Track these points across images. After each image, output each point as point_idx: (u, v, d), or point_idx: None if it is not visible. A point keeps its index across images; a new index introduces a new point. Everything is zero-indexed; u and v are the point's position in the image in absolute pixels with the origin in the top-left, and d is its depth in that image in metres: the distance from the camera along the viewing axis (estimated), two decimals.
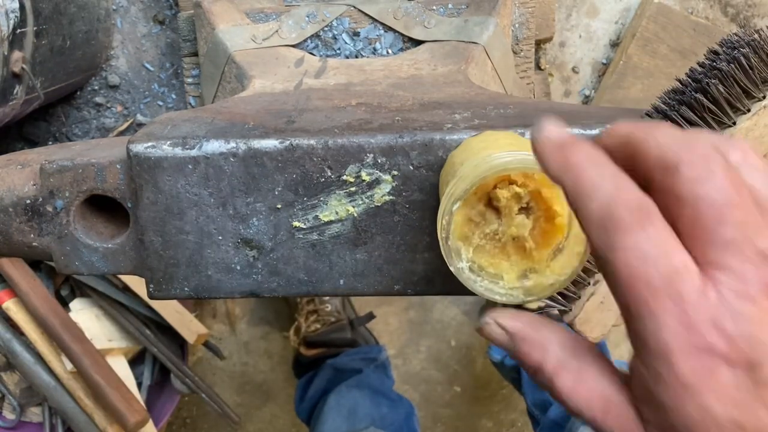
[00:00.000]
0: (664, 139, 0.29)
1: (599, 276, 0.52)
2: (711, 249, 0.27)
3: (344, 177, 0.53)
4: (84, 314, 1.14)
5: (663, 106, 0.51)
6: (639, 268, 0.27)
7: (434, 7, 0.82)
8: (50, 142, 1.16)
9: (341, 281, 0.56)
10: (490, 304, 0.41)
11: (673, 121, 0.49)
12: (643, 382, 0.28)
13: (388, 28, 0.81)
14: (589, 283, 0.52)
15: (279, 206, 0.53)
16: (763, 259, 0.27)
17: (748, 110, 0.48)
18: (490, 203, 0.45)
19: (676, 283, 0.27)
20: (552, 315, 0.55)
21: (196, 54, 0.90)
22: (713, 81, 0.47)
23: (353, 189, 0.53)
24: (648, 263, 0.27)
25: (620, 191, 0.28)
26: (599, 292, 0.52)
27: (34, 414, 1.16)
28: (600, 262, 0.29)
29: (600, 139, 0.32)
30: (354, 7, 0.82)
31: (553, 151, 0.32)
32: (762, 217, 0.28)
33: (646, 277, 0.27)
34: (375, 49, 0.82)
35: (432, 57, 0.76)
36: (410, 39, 0.81)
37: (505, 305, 0.37)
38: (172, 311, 1.20)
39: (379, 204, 0.53)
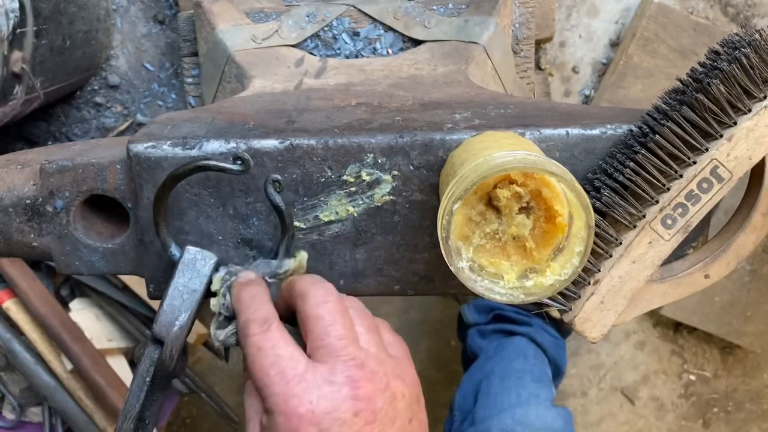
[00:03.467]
0: (306, 281, 0.48)
1: (599, 276, 0.52)
2: (317, 351, 0.44)
3: (344, 177, 0.52)
4: (84, 314, 1.14)
5: (663, 106, 0.51)
6: (257, 356, 0.44)
7: (434, 7, 0.82)
8: (50, 142, 1.16)
9: (341, 281, 0.56)
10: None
11: (673, 121, 0.49)
12: (267, 429, 0.44)
13: (388, 28, 0.81)
14: (589, 283, 0.52)
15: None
16: (349, 359, 0.44)
17: (749, 110, 0.48)
18: (491, 203, 0.45)
19: (281, 366, 0.43)
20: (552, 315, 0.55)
21: (196, 54, 0.90)
22: (714, 81, 0.47)
23: (353, 189, 0.53)
24: (262, 352, 0.44)
25: (257, 311, 0.46)
26: (599, 292, 0.52)
27: (34, 414, 1.16)
28: (244, 353, 0.46)
29: (284, 282, 0.51)
30: (354, 7, 0.82)
31: (236, 287, 0.49)
32: (355, 335, 0.45)
33: (261, 360, 0.44)
34: (375, 49, 0.82)
35: (432, 57, 0.76)
36: (410, 39, 0.81)
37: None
38: None
39: (379, 204, 0.53)
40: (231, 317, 0.49)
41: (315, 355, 0.44)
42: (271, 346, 0.44)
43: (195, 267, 0.50)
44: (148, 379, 0.49)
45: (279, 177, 0.50)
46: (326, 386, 0.43)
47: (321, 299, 0.46)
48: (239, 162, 0.48)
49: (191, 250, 0.50)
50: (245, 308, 0.47)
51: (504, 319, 1.21)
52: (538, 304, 0.51)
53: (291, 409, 0.42)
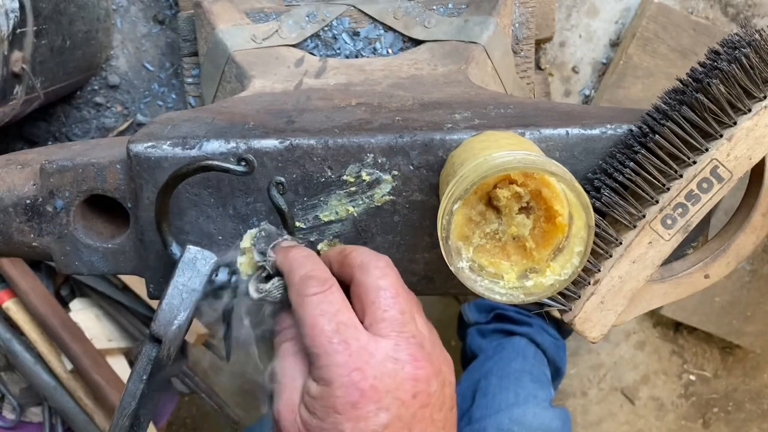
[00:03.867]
0: (364, 252, 0.46)
1: (599, 276, 0.52)
2: (379, 324, 0.42)
3: (344, 177, 0.52)
4: (84, 314, 1.14)
5: (663, 106, 0.51)
6: (318, 319, 0.42)
7: (434, 7, 0.82)
8: (50, 142, 1.16)
9: None
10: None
11: (673, 121, 0.49)
12: (318, 399, 0.41)
13: (388, 28, 0.81)
14: (589, 283, 0.52)
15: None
16: (410, 337, 0.42)
17: (749, 110, 0.48)
18: (491, 203, 0.44)
19: (345, 335, 0.41)
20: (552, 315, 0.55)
21: (196, 54, 0.90)
22: (714, 81, 0.47)
23: (353, 189, 0.53)
24: (324, 317, 0.42)
25: (315, 269, 0.44)
26: (599, 292, 0.52)
27: (34, 414, 1.16)
28: (295, 314, 0.44)
29: (326, 252, 0.49)
30: (354, 6, 0.82)
31: (280, 251, 0.48)
32: (413, 312, 0.44)
33: (323, 325, 0.41)
34: (375, 49, 0.82)
35: (432, 57, 0.76)
36: (410, 39, 0.81)
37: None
38: None
39: (379, 204, 0.53)
40: (273, 275, 0.48)
41: (376, 328, 0.42)
42: (335, 310, 0.42)
43: (195, 266, 0.50)
44: (144, 377, 0.49)
45: (283, 179, 0.50)
46: (390, 363, 0.41)
47: (383, 271, 0.44)
48: (243, 163, 0.48)
49: (192, 249, 0.50)
50: (300, 265, 0.45)
51: (504, 318, 1.21)
52: (538, 304, 0.51)
53: (353, 383, 0.40)
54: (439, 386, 0.43)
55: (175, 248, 0.52)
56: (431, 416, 0.42)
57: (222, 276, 0.50)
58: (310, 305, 0.42)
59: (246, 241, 0.50)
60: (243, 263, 0.50)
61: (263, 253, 0.49)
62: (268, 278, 0.48)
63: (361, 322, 0.43)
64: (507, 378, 1.05)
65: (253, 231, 0.51)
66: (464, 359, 1.26)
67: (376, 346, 0.41)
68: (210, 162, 0.48)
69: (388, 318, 0.42)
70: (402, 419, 0.41)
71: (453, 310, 1.42)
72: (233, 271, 0.51)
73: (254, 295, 0.48)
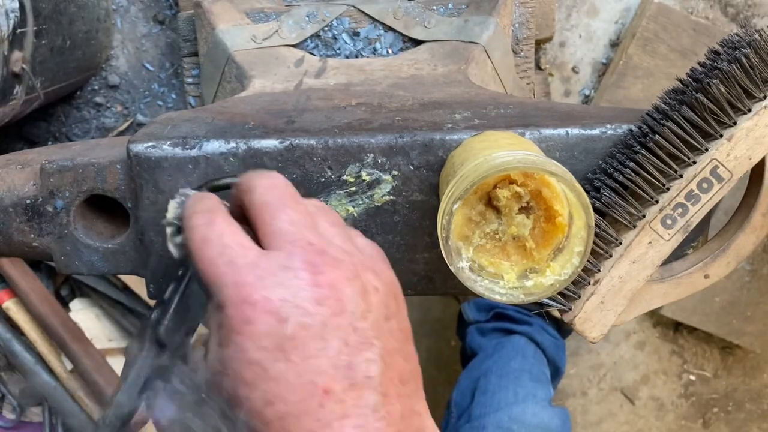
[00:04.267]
0: (250, 176, 0.42)
1: (599, 276, 0.52)
2: (270, 237, 0.39)
3: (344, 177, 0.52)
4: (84, 314, 1.14)
5: (663, 106, 0.51)
6: (203, 249, 0.39)
7: (434, 7, 0.82)
8: (50, 142, 1.16)
9: None
10: None
11: (673, 121, 0.49)
12: (219, 329, 0.38)
13: (388, 28, 0.81)
14: (589, 283, 0.52)
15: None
16: (306, 245, 0.38)
17: (749, 110, 0.48)
18: (491, 203, 0.45)
19: (230, 255, 0.38)
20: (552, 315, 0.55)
21: (196, 54, 0.90)
22: (714, 81, 0.47)
23: (353, 189, 0.53)
24: (207, 244, 0.39)
25: (200, 203, 0.42)
26: (599, 292, 0.52)
27: (34, 414, 1.16)
28: (187, 246, 0.41)
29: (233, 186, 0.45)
30: (354, 7, 0.82)
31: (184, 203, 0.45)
32: (313, 222, 0.40)
33: (207, 252, 0.38)
34: (375, 49, 0.82)
35: (432, 57, 0.76)
36: (410, 39, 0.81)
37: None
38: None
39: (379, 204, 0.53)
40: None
41: (266, 243, 0.39)
42: (217, 235, 0.39)
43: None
44: (142, 382, 0.48)
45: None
46: (281, 272, 0.37)
47: (268, 186, 0.41)
48: None
49: None
50: (191, 206, 0.42)
51: (504, 317, 1.21)
52: (539, 304, 0.51)
53: (243, 298, 0.36)
54: (358, 293, 0.38)
55: None
56: (352, 325, 0.37)
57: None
58: (196, 236, 0.39)
59: (171, 212, 0.47)
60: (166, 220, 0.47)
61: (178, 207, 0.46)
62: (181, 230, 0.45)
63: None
64: (506, 377, 1.05)
65: (173, 201, 0.47)
66: (464, 358, 1.26)
67: (268, 258, 0.38)
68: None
69: (276, 231, 0.39)
70: (308, 328, 0.36)
71: (453, 310, 1.42)
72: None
73: (174, 252, 0.45)
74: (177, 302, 0.46)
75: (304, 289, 0.37)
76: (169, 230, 0.46)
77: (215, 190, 0.47)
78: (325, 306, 0.37)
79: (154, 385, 0.48)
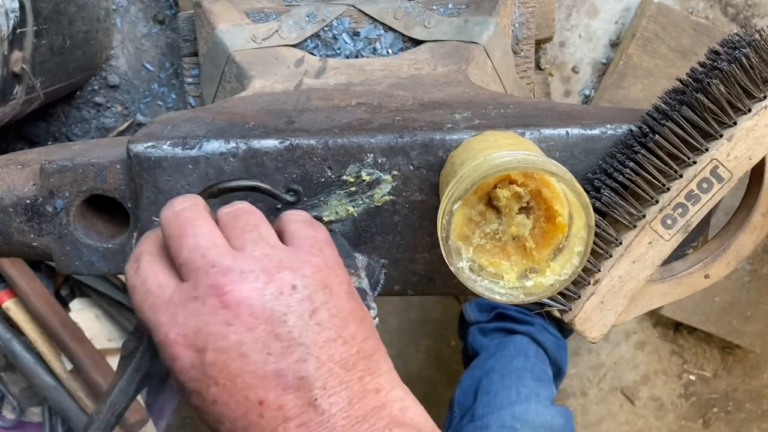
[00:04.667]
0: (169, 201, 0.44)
1: (599, 276, 0.52)
2: (180, 269, 0.40)
3: (344, 177, 0.52)
4: (84, 314, 1.14)
5: (663, 106, 0.51)
6: (133, 297, 0.41)
7: (434, 7, 0.82)
8: (50, 142, 1.16)
9: None
10: None
11: (673, 121, 0.49)
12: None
13: (388, 28, 0.81)
14: (589, 283, 0.52)
15: (279, 206, 0.53)
16: (210, 268, 0.39)
17: (749, 110, 0.48)
18: (491, 203, 0.45)
19: (151, 299, 0.40)
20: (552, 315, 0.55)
21: (196, 54, 0.90)
22: (714, 81, 0.47)
23: (353, 189, 0.53)
24: (135, 292, 0.41)
25: (135, 249, 0.44)
26: (599, 292, 0.52)
27: (34, 414, 1.16)
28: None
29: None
30: (354, 6, 0.82)
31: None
32: (219, 238, 0.41)
33: (136, 300, 0.41)
34: (375, 49, 0.82)
35: (432, 57, 0.76)
36: (410, 39, 0.81)
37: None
38: None
39: (379, 204, 0.53)
40: None
41: (181, 275, 0.40)
42: (141, 282, 0.41)
43: None
44: (138, 378, 0.48)
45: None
46: (191, 303, 0.38)
47: (169, 216, 0.42)
48: (291, 192, 0.51)
49: None
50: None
51: (506, 317, 1.22)
52: (539, 304, 0.51)
53: (165, 339, 0.39)
54: (271, 299, 0.38)
55: None
56: (272, 333, 0.38)
57: None
58: (128, 285, 0.42)
59: None
60: None
61: None
62: None
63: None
64: (509, 376, 1.05)
65: None
66: (466, 358, 1.27)
67: (180, 292, 0.40)
68: (261, 185, 0.49)
69: (183, 261, 0.40)
70: (225, 351, 0.38)
71: (453, 310, 1.42)
72: None
73: None
74: None
75: (213, 314, 0.38)
76: None
77: (255, 190, 0.49)
78: (236, 325, 0.38)
79: (150, 382, 0.48)
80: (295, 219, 0.45)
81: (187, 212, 0.42)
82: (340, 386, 0.39)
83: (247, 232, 0.41)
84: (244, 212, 0.43)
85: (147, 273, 0.41)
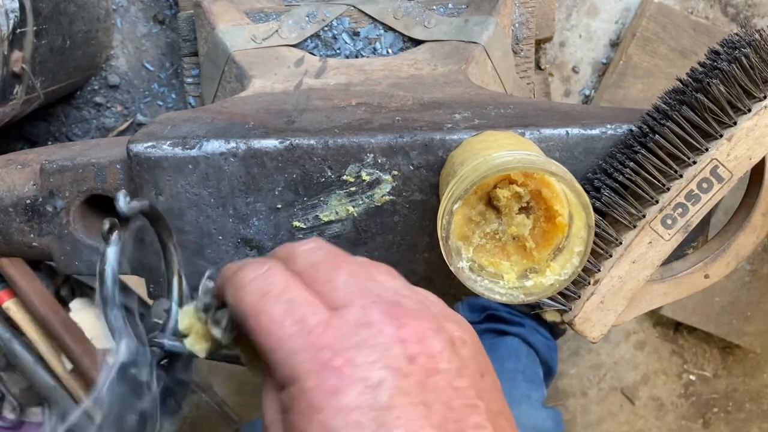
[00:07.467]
0: (280, 249, 0.36)
1: (599, 276, 0.52)
2: (333, 295, 0.32)
3: (344, 177, 0.52)
4: (84, 314, 1.14)
5: (663, 106, 0.51)
6: (261, 305, 0.32)
7: (434, 7, 0.82)
8: (50, 142, 1.16)
9: None
10: None
11: (673, 121, 0.49)
12: (292, 407, 0.30)
13: (388, 28, 0.81)
14: (589, 283, 0.52)
15: (279, 206, 0.53)
16: (377, 297, 0.32)
17: (749, 110, 0.48)
18: (491, 203, 0.45)
19: (299, 313, 0.31)
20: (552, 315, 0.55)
21: (196, 54, 0.90)
22: (714, 81, 0.47)
23: (353, 189, 0.53)
24: (267, 299, 0.32)
25: (249, 262, 0.35)
26: (599, 292, 0.52)
27: (34, 414, 1.16)
28: (239, 318, 0.33)
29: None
30: (354, 6, 0.82)
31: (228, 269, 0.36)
32: (371, 275, 0.34)
33: (268, 310, 0.32)
34: (375, 49, 0.82)
35: (432, 57, 0.76)
36: (410, 39, 0.81)
37: None
38: None
39: (379, 204, 0.53)
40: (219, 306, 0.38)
41: (332, 302, 0.32)
42: (281, 288, 0.32)
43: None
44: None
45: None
46: (361, 329, 0.30)
47: (312, 249, 0.35)
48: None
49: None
50: (231, 266, 0.36)
51: (497, 319, 1.22)
52: (538, 304, 0.51)
53: (323, 364, 0.29)
54: (446, 346, 0.31)
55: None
56: (451, 385, 0.30)
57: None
58: (249, 293, 0.32)
59: (184, 321, 0.40)
60: (193, 340, 0.39)
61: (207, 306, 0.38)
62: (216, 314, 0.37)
63: None
64: (500, 378, 1.05)
65: (188, 307, 0.40)
66: None
67: (339, 316, 0.31)
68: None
69: (340, 286, 0.32)
70: (407, 393, 0.29)
71: None
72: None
73: (219, 336, 0.37)
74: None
75: (392, 344, 0.30)
76: (203, 315, 0.38)
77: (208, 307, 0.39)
78: (417, 364, 0.30)
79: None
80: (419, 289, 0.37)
81: (329, 245, 0.36)
82: None
83: (394, 278, 0.36)
84: (379, 263, 0.37)
85: (287, 280, 0.33)
